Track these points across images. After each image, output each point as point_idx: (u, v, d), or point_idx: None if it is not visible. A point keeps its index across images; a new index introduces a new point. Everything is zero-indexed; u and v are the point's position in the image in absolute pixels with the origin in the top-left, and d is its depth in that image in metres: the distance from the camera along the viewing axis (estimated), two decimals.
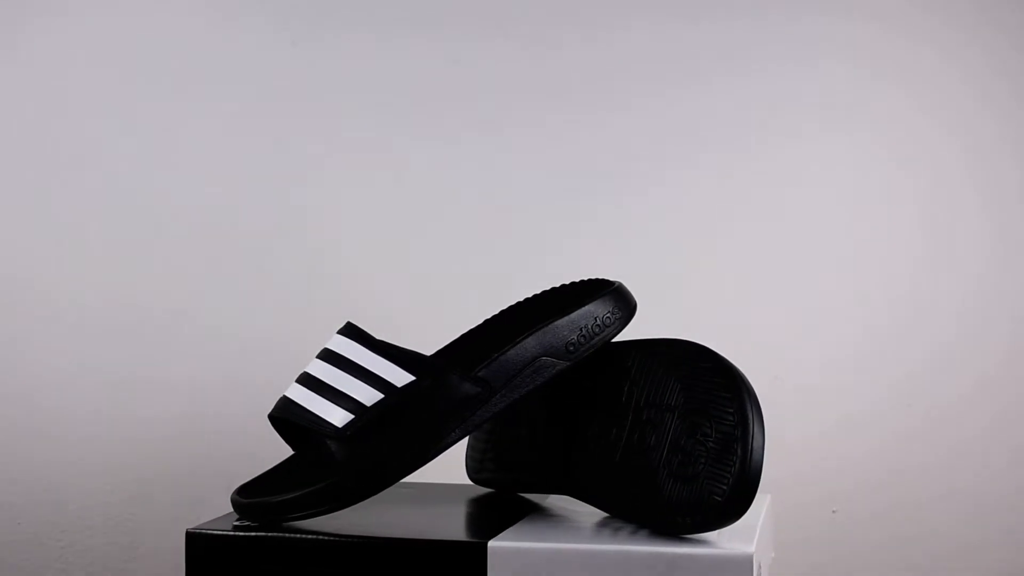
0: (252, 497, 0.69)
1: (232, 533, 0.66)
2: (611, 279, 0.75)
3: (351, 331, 0.71)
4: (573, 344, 0.70)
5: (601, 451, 0.68)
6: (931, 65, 0.99)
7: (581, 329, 0.70)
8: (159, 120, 0.98)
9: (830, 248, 1.00)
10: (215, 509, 0.73)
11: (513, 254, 1.01)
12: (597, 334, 0.71)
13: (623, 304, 0.72)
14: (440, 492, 0.79)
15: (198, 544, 0.66)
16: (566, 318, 0.70)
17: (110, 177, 0.97)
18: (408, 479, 0.77)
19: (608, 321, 0.71)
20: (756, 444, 0.61)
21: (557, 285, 0.76)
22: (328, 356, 0.70)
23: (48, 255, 0.94)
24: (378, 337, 0.70)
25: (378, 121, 1.02)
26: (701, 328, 0.97)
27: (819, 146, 1.00)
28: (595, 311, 0.71)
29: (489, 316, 0.77)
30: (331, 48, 1.01)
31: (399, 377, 0.68)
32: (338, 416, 0.68)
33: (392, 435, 0.67)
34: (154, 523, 0.94)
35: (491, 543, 0.61)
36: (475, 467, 0.81)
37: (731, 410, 0.63)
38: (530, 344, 0.69)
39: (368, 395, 0.68)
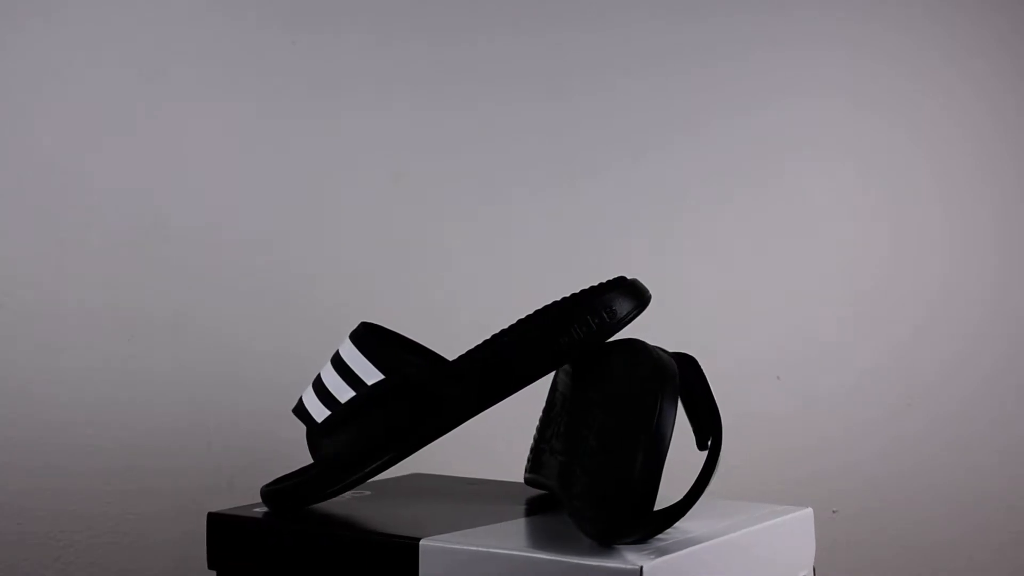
0: (272, 486, 0.72)
1: (240, 515, 0.70)
2: (627, 276, 0.71)
3: (354, 332, 0.72)
4: (563, 344, 0.67)
5: (575, 456, 0.65)
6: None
7: (574, 328, 0.67)
8: (159, 120, 0.99)
9: (831, 252, 0.99)
10: (215, 509, 0.74)
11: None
12: (593, 333, 0.67)
13: (627, 301, 0.68)
14: (495, 490, 0.79)
15: (216, 525, 0.70)
16: (557, 318, 0.68)
17: (109, 178, 0.98)
18: (481, 476, 0.80)
19: (605, 319, 0.67)
20: (658, 448, 0.57)
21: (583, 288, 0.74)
22: (333, 357, 0.72)
23: (49, 255, 0.95)
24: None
25: (378, 121, 1.02)
26: (702, 330, 0.97)
27: (819, 148, 0.99)
28: (590, 310, 0.67)
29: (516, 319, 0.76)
30: (331, 49, 1.02)
31: (372, 375, 0.69)
32: (323, 413, 0.70)
33: (358, 431, 0.69)
34: (155, 523, 0.95)
35: (423, 541, 0.61)
36: (526, 467, 0.79)
37: (645, 412, 0.58)
38: (515, 344, 0.68)
39: (346, 394, 0.69)
